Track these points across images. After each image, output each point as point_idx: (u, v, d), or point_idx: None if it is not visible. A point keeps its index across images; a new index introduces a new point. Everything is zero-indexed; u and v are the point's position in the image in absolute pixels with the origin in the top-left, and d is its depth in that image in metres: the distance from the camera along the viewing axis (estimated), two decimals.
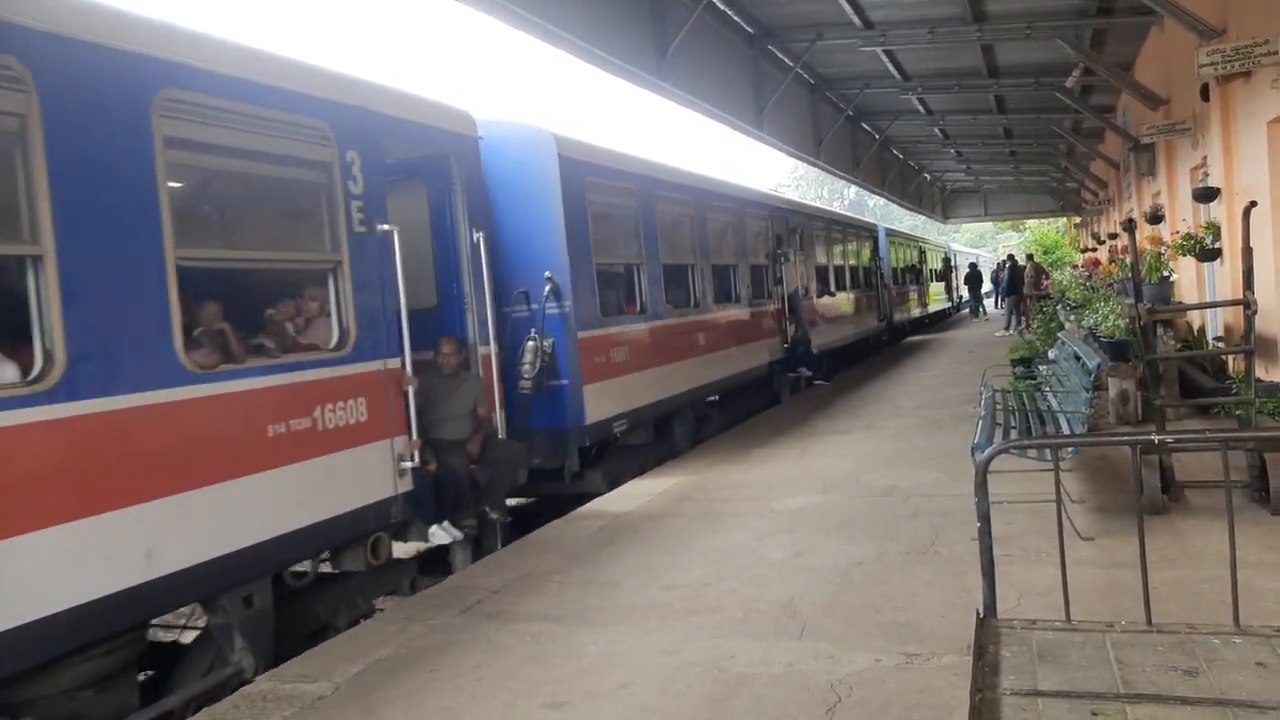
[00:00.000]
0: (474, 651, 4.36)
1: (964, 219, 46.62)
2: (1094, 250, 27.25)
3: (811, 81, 18.44)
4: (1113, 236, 22.16)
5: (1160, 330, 8.48)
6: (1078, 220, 37.10)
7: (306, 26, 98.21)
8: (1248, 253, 5.16)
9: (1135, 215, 17.04)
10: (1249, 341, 5.20)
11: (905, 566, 5.02)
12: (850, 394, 13.26)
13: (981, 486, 2.84)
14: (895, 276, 24.84)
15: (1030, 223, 52.74)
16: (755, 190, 12.99)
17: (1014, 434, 5.80)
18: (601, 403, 7.92)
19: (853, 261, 19.43)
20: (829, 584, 4.86)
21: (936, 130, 24.03)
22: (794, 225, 14.64)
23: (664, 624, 4.50)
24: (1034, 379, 10.77)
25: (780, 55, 15.90)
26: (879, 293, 21.60)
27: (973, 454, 5.42)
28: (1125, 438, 3.70)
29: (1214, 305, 5.36)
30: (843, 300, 18.03)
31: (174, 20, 4.43)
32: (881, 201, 58.20)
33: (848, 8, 13.10)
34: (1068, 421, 5.63)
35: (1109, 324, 8.59)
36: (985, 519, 2.86)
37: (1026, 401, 6.89)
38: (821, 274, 16.48)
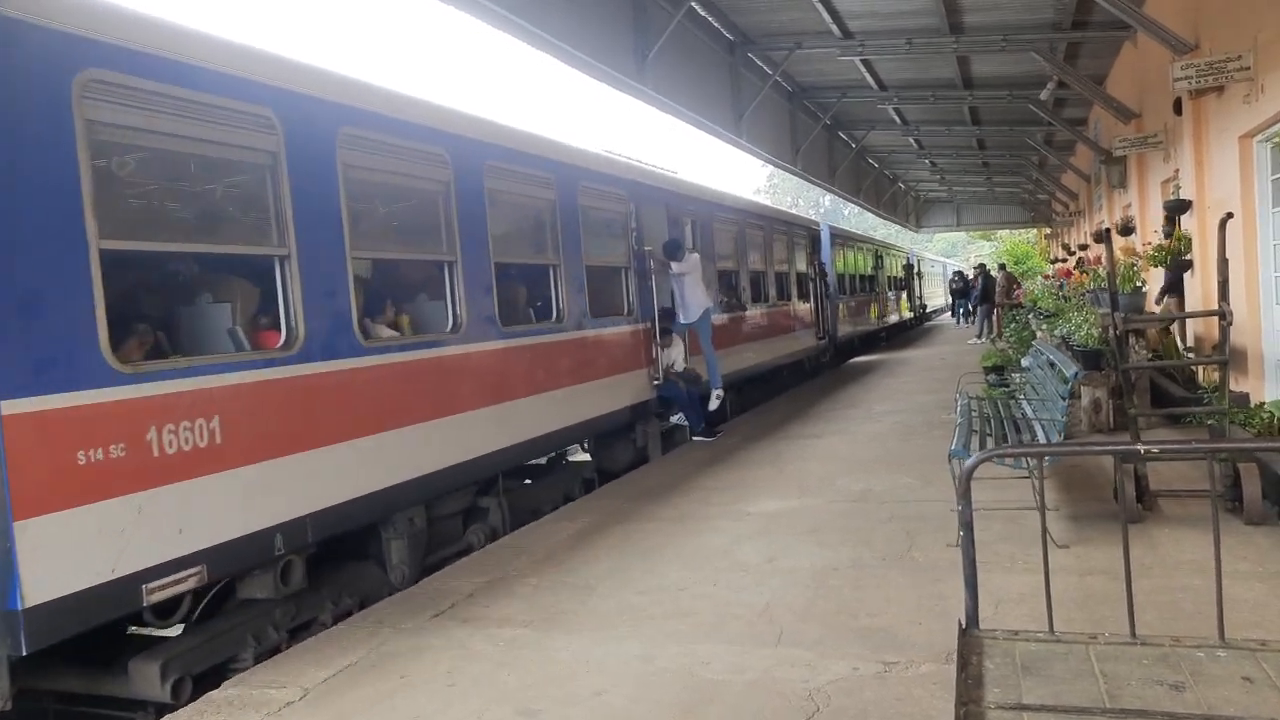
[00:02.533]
0: (446, 657, 4.27)
1: (937, 228, 47.16)
2: (1064, 261, 27.69)
3: (790, 89, 18.54)
4: (1083, 248, 22.48)
5: (1133, 340, 8.57)
6: (1048, 231, 37.62)
7: (288, 23, 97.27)
8: (1224, 264, 5.20)
9: (1108, 226, 17.31)
10: (1223, 352, 5.24)
11: (880, 572, 4.99)
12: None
13: (965, 495, 2.81)
14: (842, 285, 21.00)
15: (1001, 233, 53.40)
16: (596, 154, 8.96)
17: (990, 441, 5.80)
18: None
19: (782, 266, 15.56)
20: (804, 589, 4.82)
21: (912, 140, 24.25)
22: (684, 216, 10.94)
23: (638, 629, 4.44)
24: (1007, 386, 10.88)
25: (759, 63, 15.96)
26: (819, 304, 17.87)
27: (950, 460, 5.42)
28: (1109, 447, 3.69)
29: (1190, 316, 5.40)
30: (762, 314, 13.97)
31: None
32: (856, 210, 58.77)
33: (827, 17, 13.17)
34: (1044, 429, 5.64)
35: (1082, 333, 8.66)
36: (968, 527, 2.83)
37: (1001, 409, 6.92)
38: (731, 281, 12.75)
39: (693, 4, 12.54)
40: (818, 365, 18.05)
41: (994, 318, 23.73)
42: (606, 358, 8.57)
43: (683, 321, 9.99)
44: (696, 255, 10.22)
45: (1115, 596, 4.25)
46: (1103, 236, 5.49)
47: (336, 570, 5.52)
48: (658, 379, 9.46)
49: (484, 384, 6.58)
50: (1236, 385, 8.37)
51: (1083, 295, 10.17)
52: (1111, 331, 5.51)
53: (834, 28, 13.66)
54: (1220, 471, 5.28)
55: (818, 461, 8.46)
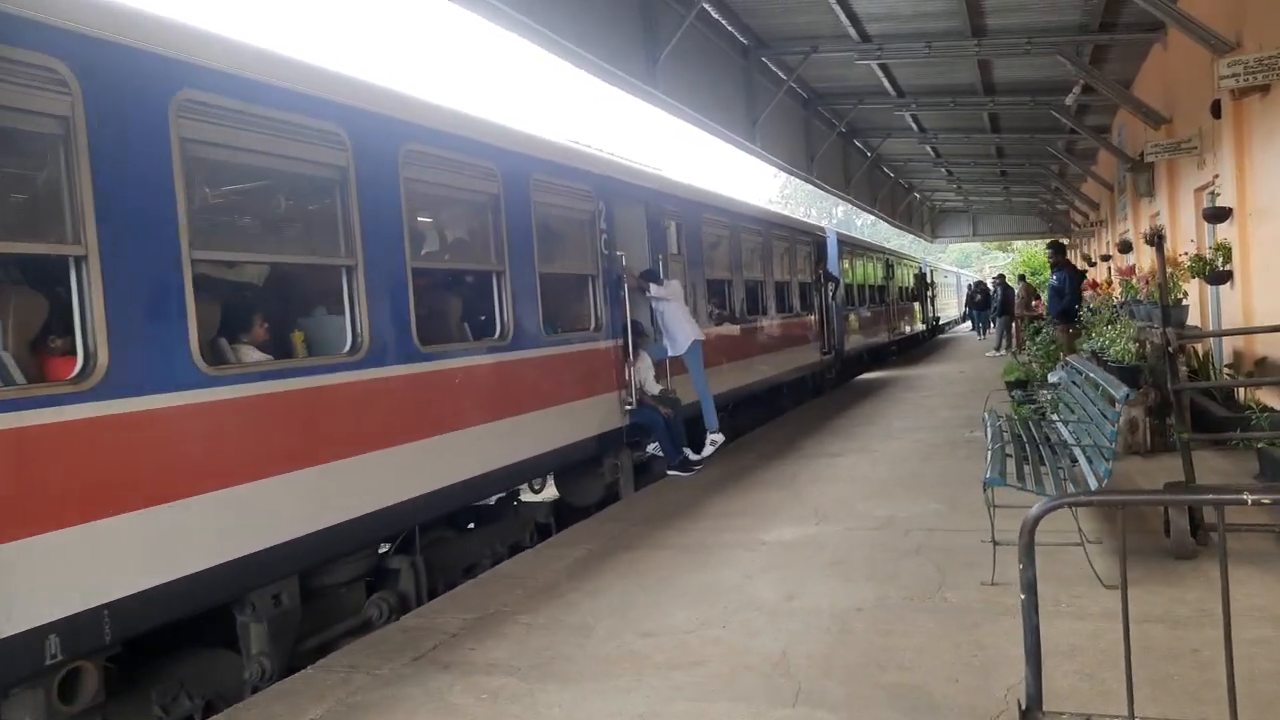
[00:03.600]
0: (422, 712, 3.82)
1: (952, 239, 46.57)
2: (1083, 272, 27.07)
3: (805, 96, 18.13)
4: (1105, 258, 21.89)
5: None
6: (1066, 242, 36.99)
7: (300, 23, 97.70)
8: None
9: (1131, 236, 16.74)
10: None
11: (909, 615, 4.51)
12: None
13: (1028, 550, 2.34)
14: (850, 295, 19.96)
15: (1017, 244, 52.74)
16: (553, 142, 7.90)
17: (1026, 468, 5.31)
18: None
19: (783, 275, 14.51)
20: (825, 633, 4.35)
21: (928, 149, 23.78)
22: (666, 218, 9.81)
23: (641, 680, 3.97)
24: (1034, 403, 10.36)
25: (773, 68, 15.56)
26: (824, 316, 16.71)
27: (985, 489, 4.95)
28: (1205, 497, 3.20)
29: (1260, 331, 4.93)
30: (760, 327, 12.95)
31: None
32: (869, 220, 58.25)
33: (844, 19, 12.75)
34: (1086, 455, 5.15)
35: (1118, 348, 8.15)
36: (1031, 589, 2.38)
37: (1034, 430, 6.42)
38: (722, 290, 11.74)
39: (704, 5, 12.15)
40: (823, 382, 17.07)
41: (1014, 330, 23.17)
42: (567, 380, 7.45)
43: (670, 354, 9.15)
44: (677, 282, 9.27)
45: (1180, 650, 3.77)
46: (1154, 241, 5.03)
47: (174, 664, 4.34)
48: (630, 403, 8.38)
49: (395, 417, 5.39)
50: (1277, 403, 7.85)
51: (1114, 307, 9.64)
52: (1165, 347, 5.03)
53: (851, 31, 13.24)
54: None
55: (836, 484, 7.97)
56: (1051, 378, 10.46)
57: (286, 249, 5.58)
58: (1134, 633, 3.97)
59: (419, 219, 6.23)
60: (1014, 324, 22.92)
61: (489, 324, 6.72)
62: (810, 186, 24.32)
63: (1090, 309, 14.55)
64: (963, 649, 4.02)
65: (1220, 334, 6.50)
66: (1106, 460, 4.62)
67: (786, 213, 26.03)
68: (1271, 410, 7.71)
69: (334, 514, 4.86)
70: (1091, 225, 25.81)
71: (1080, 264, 28.89)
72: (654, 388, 8.74)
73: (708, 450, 9.17)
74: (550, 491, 8.20)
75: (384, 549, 5.75)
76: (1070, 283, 13.75)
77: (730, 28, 13.71)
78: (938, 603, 4.66)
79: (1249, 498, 2.21)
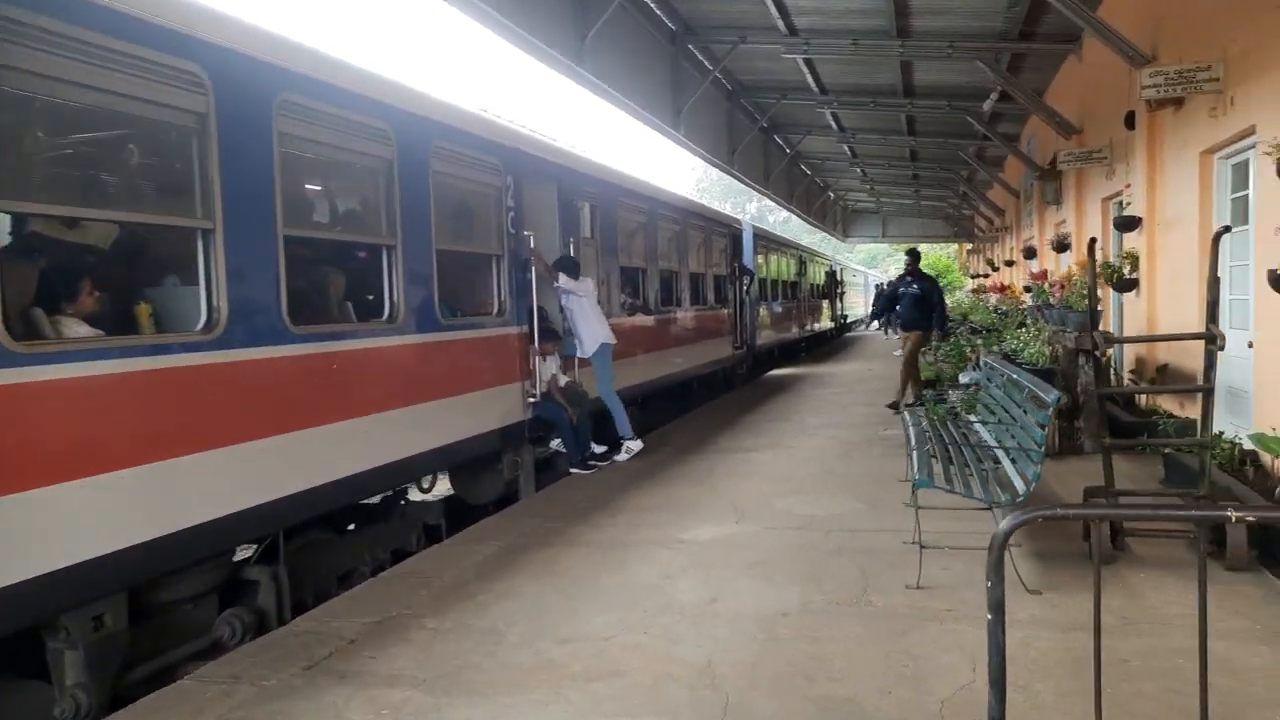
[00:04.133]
0: None
1: (863, 239, 47.56)
2: (986, 276, 27.97)
3: (730, 88, 18.04)
4: (1009, 263, 22.67)
5: (1083, 361, 8.22)
6: (969, 247, 38.27)
7: None
8: (1215, 283, 4.75)
9: (1036, 243, 17.28)
10: (1209, 379, 4.79)
11: (836, 620, 4.36)
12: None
13: (996, 567, 2.14)
14: (763, 290, 19.68)
15: (922, 247, 54.32)
16: (458, 108, 7.09)
17: (952, 469, 5.24)
18: None
19: (698, 266, 14.21)
20: (751, 640, 4.15)
21: (846, 148, 24.08)
22: (580, 199, 9.34)
23: (558, 693, 3.69)
24: (944, 401, 10.50)
25: (700, 57, 15.38)
26: (738, 310, 16.49)
27: (914, 490, 4.84)
28: (1191, 513, 3.10)
29: (1178, 338, 5.01)
30: (673, 319, 12.60)
31: None
32: (782, 218, 59.09)
33: (774, 10, 12.65)
34: (1011, 458, 5.11)
35: (1032, 350, 8.27)
36: (999, 609, 2.16)
37: (953, 430, 6.39)
38: (636, 279, 11.32)
39: None
40: (734, 377, 16.90)
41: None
42: (465, 369, 6.88)
43: (578, 356, 8.79)
44: (591, 281, 8.88)
45: (1108, 660, 3.70)
46: (1090, 246, 5.01)
47: None
48: (534, 395, 7.88)
49: (257, 406, 4.72)
50: (1183, 411, 8.10)
51: (1037, 309, 9.78)
52: (1092, 352, 5.02)
53: (780, 23, 13.15)
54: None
55: (753, 480, 7.84)
56: (963, 378, 10.63)
57: (129, 206, 4.57)
58: (1064, 642, 3.92)
59: (295, 181, 5.49)
60: None
61: (377, 304, 6.06)
62: (725, 182, 24.55)
63: (998, 312, 14.95)
64: (893, 658, 3.87)
65: (1147, 339, 6.62)
66: (1036, 463, 4.56)
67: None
68: (1173, 416, 7.95)
69: (175, 519, 4.20)
70: (996, 231, 26.69)
71: (982, 268, 30.00)
72: (563, 379, 8.37)
73: (623, 457, 8.86)
74: (444, 487, 7.72)
75: (249, 553, 5.21)
76: (939, 294, 12.62)
77: (659, 11, 13.45)
78: (864, 607, 4.52)
79: (1233, 515, 2.06)
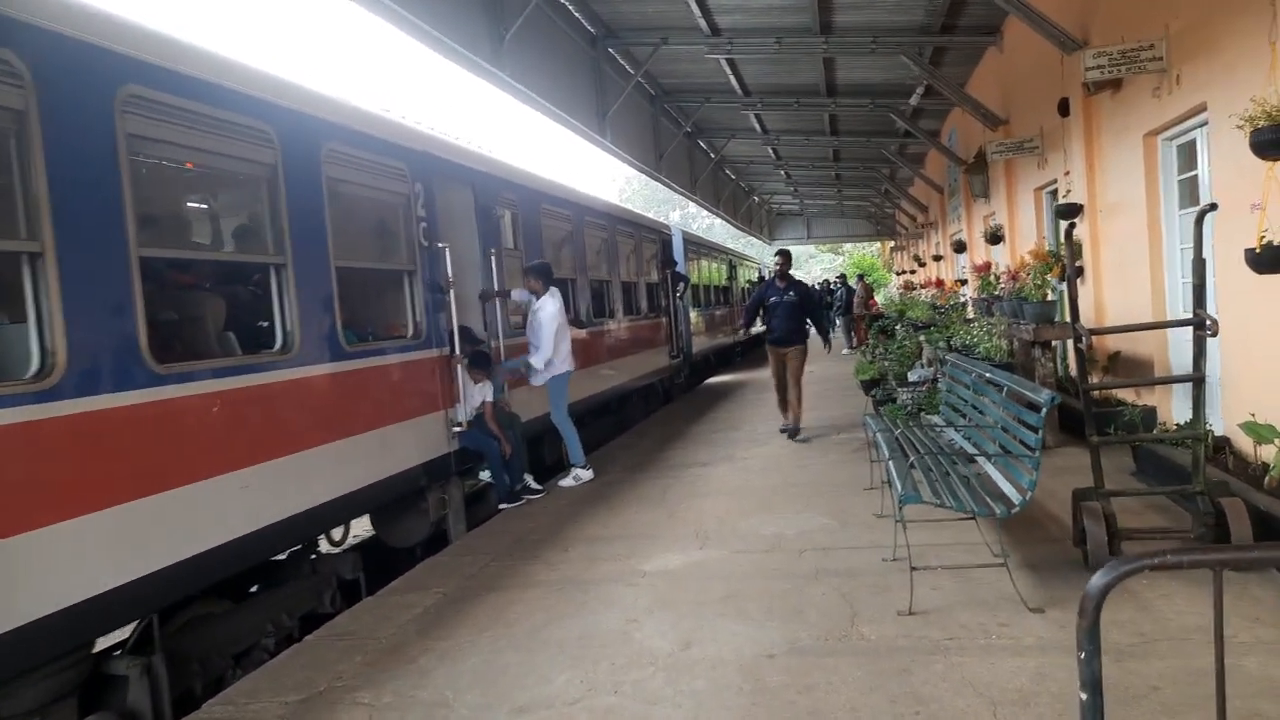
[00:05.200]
0: None
1: (788, 240, 47.72)
2: (913, 272, 28.27)
3: (653, 92, 17.69)
4: (937, 258, 22.85)
5: (1038, 353, 8.01)
6: (893, 244, 38.82)
7: None
8: (1200, 265, 4.46)
9: (965, 237, 17.34)
10: (1199, 368, 4.51)
11: (828, 661, 3.90)
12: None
13: (1091, 633, 1.69)
14: (695, 296, 19.17)
15: (847, 246, 55.16)
16: (352, 107, 6.34)
17: (934, 477, 4.85)
18: None
19: (629, 275, 13.53)
20: (737, 694, 3.65)
21: (770, 150, 24.03)
22: (500, 206, 8.62)
23: None
24: (892, 400, 10.22)
25: (622, 60, 14.98)
26: (672, 318, 15.96)
27: (899, 506, 4.42)
28: None
29: (1167, 325, 4.73)
30: (607, 331, 11.95)
31: None
32: (706, 225, 59.23)
33: (695, 9, 12.32)
34: (1004, 468, 4.74)
35: (988, 345, 8.01)
36: (1096, 687, 1.70)
37: (922, 436, 6.03)
38: (566, 291, 10.27)
39: None
40: (673, 387, 16.36)
41: (855, 328, 23.75)
42: (378, 401, 6.16)
43: (533, 382, 8.26)
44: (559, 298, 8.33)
45: (1138, 689, 3.32)
46: (1068, 231, 4.69)
47: None
48: (459, 425, 7.21)
49: (109, 467, 3.93)
50: (1139, 399, 7.95)
51: (990, 302, 9.54)
52: (1074, 345, 4.69)
53: (702, 22, 12.84)
54: (1200, 508, 4.53)
55: (712, 498, 7.37)
56: (912, 375, 10.38)
57: None
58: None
59: (152, 192, 4.71)
60: (856, 323, 23.48)
61: (266, 333, 5.33)
62: (647, 192, 24.18)
63: (936, 307, 14.86)
64: (900, 704, 3.42)
65: (1132, 329, 6.37)
66: (1031, 470, 4.19)
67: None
68: (1124, 405, 7.77)
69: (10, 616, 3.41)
70: (920, 227, 26.95)
71: (909, 265, 30.32)
72: (474, 400, 7.49)
73: (569, 483, 8.28)
74: (359, 533, 6.98)
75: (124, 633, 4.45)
76: (815, 299, 11.67)
77: (577, 13, 12.98)
78: (856, 642, 4.07)
79: None
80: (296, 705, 3.93)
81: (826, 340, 12.03)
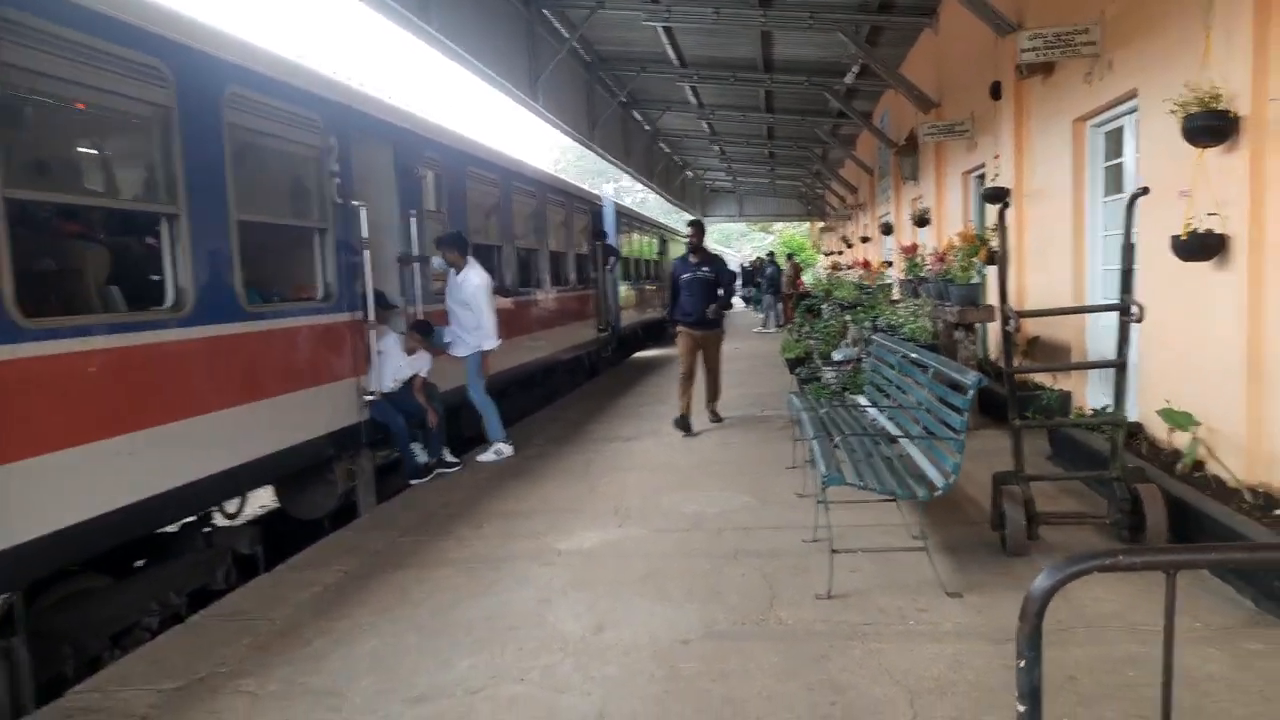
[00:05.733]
0: None
1: (721, 218, 47.96)
2: (840, 253, 28.54)
3: (588, 59, 17.28)
4: (865, 239, 23.07)
5: (963, 335, 8.03)
6: (822, 225, 39.22)
7: None
8: (1129, 250, 4.43)
9: (893, 219, 17.48)
10: (1123, 354, 4.49)
11: (745, 646, 3.76)
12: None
13: (1032, 638, 1.55)
14: (626, 270, 18.86)
15: (778, 225, 55.59)
16: (261, 49, 5.81)
17: (858, 458, 4.75)
18: None
19: (559, 244, 13.24)
20: (650, 682, 3.49)
21: (705, 125, 23.85)
22: (422, 166, 8.20)
23: None
24: (817, 379, 10.21)
25: (556, 23, 14.53)
26: (601, 291, 15.79)
27: (823, 487, 4.30)
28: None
29: (1093, 310, 4.70)
30: (535, 301, 11.66)
31: None
32: (639, 199, 58.89)
33: None
34: (926, 450, 4.67)
35: (913, 326, 7.99)
36: (1034, 698, 1.56)
37: (846, 415, 5.95)
38: (492, 258, 10.09)
39: None
40: (600, 361, 16.11)
41: (783, 307, 23.89)
42: (283, 366, 5.79)
43: (460, 349, 7.93)
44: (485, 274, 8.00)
45: (1057, 680, 3.26)
46: (1000, 212, 4.61)
47: None
48: (371, 394, 6.86)
49: None
50: (1055, 383, 8.05)
51: (916, 283, 9.56)
52: (1002, 327, 4.62)
53: None
54: (1117, 494, 4.53)
55: (634, 472, 7.20)
56: (837, 355, 10.38)
57: None
58: (999, 657, 3.45)
59: (22, 129, 4.23)
60: (784, 301, 23.60)
61: (155, 289, 4.89)
62: (581, 164, 23.79)
63: (863, 288, 14.95)
64: (818, 694, 3.30)
65: (1058, 312, 6.37)
66: (955, 453, 4.11)
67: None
68: (1043, 388, 7.86)
69: None
70: (849, 208, 27.18)
71: (838, 246, 30.60)
72: (407, 372, 7.28)
73: (489, 458, 8.02)
74: (259, 507, 6.59)
75: None
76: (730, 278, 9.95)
77: None
78: (773, 626, 3.95)
79: None
80: (171, 694, 3.61)
81: (720, 311, 9.01)
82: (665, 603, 4.28)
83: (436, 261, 8.20)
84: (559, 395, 12.82)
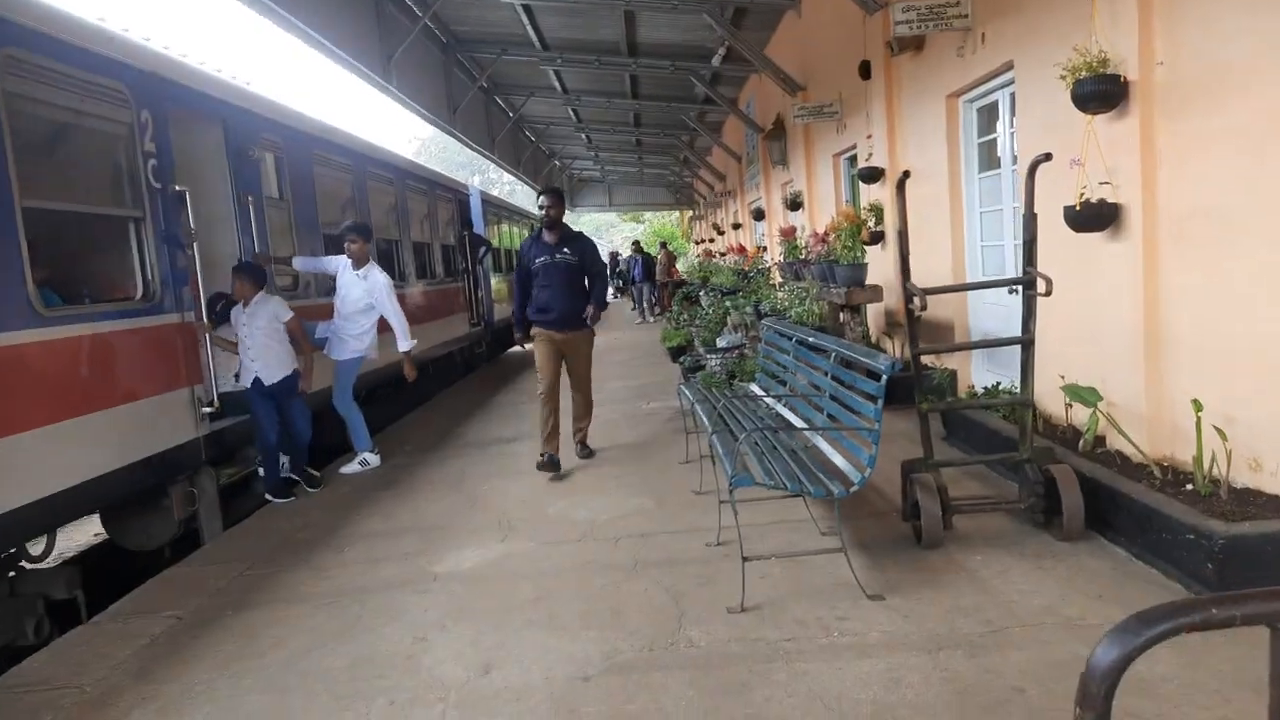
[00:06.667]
0: None
1: (590, 208, 47.52)
2: (712, 240, 28.64)
3: (445, 40, 16.39)
4: (736, 226, 23.13)
5: (849, 317, 7.86)
6: (691, 213, 39.41)
7: None
8: (1031, 220, 4.22)
9: (764, 204, 17.49)
10: (1028, 330, 4.29)
11: (654, 679, 3.29)
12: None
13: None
14: (496, 261, 18.04)
15: (648, 215, 55.65)
16: (45, 6, 4.88)
17: (762, 453, 4.37)
18: None
19: (422, 235, 12.48)
20: None
21: (570, 111, 23.31)
22: (260, 148, 7.32)
23: None
24: (703, 368, 9.92)
25: (408, 1, 13.64)
26: (471, 284, 15.06)
27: (730, 489, 3.89)
28: None
29: (996, 284, 4.50)
30: (400, 296, 9.44)
31: None
32: (507, 191, 57.69)
33: None
34: (836, 440, 4.33)
35: (799, 310, 7.76)
36: None
37: (745, 409, 5.57)
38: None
39: None
40: (474, 357, 15.48)
41: (658, 295, 23.68)
42: (91, 378, 4.94)
43: (332, 354, 7.30)
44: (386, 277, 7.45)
45: (999, 691, 2.95)
46: (899, 184, 4.31)
47: None
48: (210, 406, 6.02)
49: None
50: (940, 362, 8.00)
51: (800, 266, 9.33)
52: (905, 305, 4.33)
53: None
54: (1030, 476, 4.34)
55: (516, 478, 6.63)
56: (721, 341, 10.11)
57: None
58: (935, 670, 3.12)
59: None
60: (660, 290, 23.39)
61: None
62: (445, 155, 22.82)
63: (741, 274, 14.82)
64: None
65: (960, 289, 6.20)
66: (870, 444, 3.78)
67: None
68: (939, 369, 7.79)
69: None
70: (718, 196, 27.25)
71: (708, 234, 30.75)
72: (270, 375, 6.57)
73: (354, 469, 7.29)
74: (76, 543, 5.70)
75: None
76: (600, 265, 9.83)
77: None
78: (684, 650, 3.50)
79: None
80: None
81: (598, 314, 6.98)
82: (560, 632, 3.77)
83: (301, 263, 7.63)
84: (430, 396, 12.02)
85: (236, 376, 6.50)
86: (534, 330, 6.88)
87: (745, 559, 3.87)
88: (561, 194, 6.89)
